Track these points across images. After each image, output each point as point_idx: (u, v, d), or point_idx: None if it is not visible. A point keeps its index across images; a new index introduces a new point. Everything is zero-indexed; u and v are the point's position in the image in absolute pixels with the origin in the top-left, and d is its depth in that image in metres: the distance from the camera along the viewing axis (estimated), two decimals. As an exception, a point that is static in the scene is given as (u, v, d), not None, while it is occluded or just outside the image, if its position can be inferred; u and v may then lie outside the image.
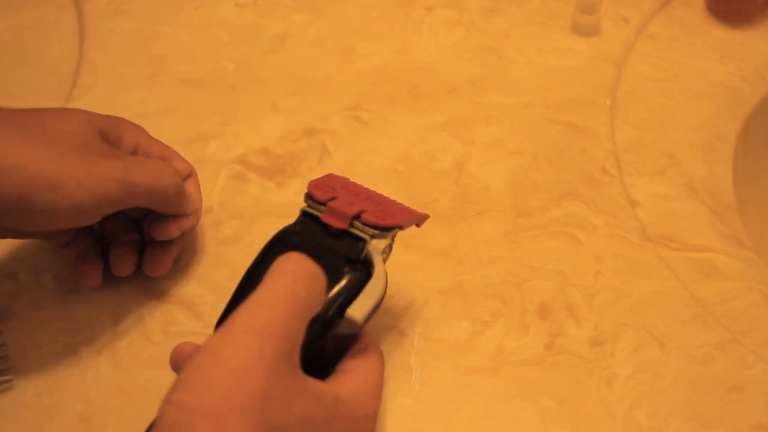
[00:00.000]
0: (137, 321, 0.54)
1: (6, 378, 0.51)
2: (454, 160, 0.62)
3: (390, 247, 0.48)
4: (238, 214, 0.60)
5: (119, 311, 0.55)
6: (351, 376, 0.45)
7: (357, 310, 0.44)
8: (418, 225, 0.51)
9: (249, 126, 0.65)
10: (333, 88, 0.67)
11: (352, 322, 0.44)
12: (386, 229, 0.47)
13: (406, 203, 0.51)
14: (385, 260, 0.47)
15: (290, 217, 0.50)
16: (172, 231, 0.54)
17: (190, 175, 0.56)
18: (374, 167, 0.62)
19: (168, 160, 0.55)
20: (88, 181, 0.47)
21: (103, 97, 0.66)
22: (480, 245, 0.58)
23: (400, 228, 0.49)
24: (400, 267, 0.57)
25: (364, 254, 0.46)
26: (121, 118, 0.54)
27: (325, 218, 0.48)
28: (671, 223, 0.59)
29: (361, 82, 0.68)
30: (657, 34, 0.71)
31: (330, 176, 0.52)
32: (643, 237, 0.58)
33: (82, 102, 0.66)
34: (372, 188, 0.52)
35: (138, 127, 0.55)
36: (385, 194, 0.52)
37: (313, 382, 0.42)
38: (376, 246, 0.47)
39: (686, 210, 0.60)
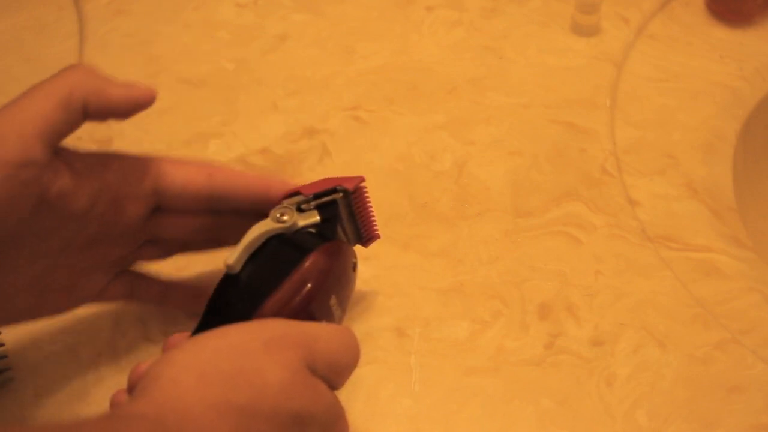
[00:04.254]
0: (137, 321, 0.54)
1: (7, 374, 0.51)
2: (454, 160, 0.62)
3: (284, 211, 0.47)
4: (238, 214, 0.60)
5: (119, 311, 0.55)
6: None
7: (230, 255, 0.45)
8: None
9: (249, 126, 0.65)
10: (333, 88, 0.67)
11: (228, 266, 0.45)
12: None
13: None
14: (278, 219, 0.47)
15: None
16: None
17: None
18: (374, 167, 0.62)
19: None
20: None
21: (103, 97, 0.66)
22: (480, 245, 0.58)
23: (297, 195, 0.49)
24: (400, 267, 0.57)
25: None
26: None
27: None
28: (671, 223, 0.59)
29: (361, 82, 0.68)
30: (657, 34, 0.71)
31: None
32: (643, 237, 0.58)
33: (82, 102, 0.66)
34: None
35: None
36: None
37: None
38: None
39: (686, 210, 0.60)
